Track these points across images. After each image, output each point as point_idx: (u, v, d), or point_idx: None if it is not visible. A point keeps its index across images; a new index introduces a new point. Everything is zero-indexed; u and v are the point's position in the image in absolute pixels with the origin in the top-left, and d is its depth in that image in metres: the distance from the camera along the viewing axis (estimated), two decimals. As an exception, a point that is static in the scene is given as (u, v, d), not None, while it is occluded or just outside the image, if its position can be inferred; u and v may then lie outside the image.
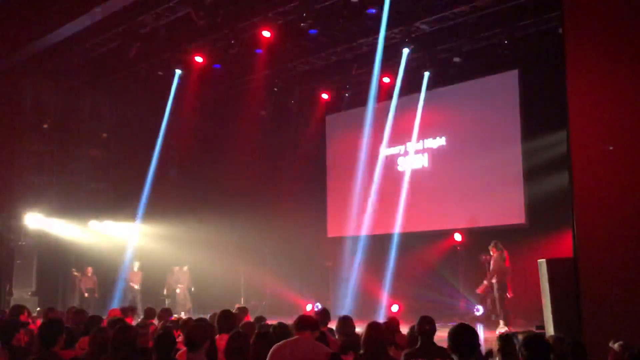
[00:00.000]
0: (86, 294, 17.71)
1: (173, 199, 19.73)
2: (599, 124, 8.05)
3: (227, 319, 6.81)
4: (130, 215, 19.02)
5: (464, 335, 4.30)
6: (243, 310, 9.26)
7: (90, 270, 17.98)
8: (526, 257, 14.10)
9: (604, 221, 7.87)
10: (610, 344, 5.59)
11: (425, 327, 5.81)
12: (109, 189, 19.92)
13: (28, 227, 17.61)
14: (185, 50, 16.42)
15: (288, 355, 4.89)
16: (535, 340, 4.48)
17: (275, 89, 19.07)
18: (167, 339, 5.55)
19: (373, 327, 5.84)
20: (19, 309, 9.27)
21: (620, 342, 5.44)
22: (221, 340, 6.33)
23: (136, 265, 18.36)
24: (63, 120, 18.89)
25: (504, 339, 5.64)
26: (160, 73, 17.71)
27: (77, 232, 18.35)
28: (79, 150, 19.24)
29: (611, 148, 7.69)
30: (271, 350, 4.93)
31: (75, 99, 19.11)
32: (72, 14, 14.37)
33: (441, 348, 5.59)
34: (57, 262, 18.09)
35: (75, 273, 18.01)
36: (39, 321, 9.31)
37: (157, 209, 18.95)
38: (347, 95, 19.20)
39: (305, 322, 5.07)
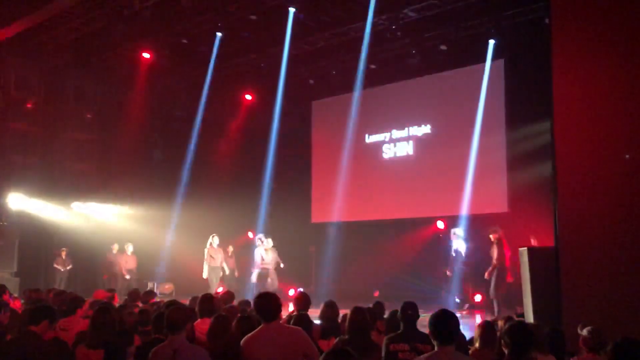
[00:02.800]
0: (127, 276, 17.31)
1: (156, 181, 19.66)
2: (584, 114, 8.10)
3: (208, 302, 6.80)
4: (114, 197, 18.93)
5: (444, 321, 4.33)
6: (229, 295, 9.27)
7: (129, 247, 17.54)
8: (508, 245, 14.18)
9: (585, 210, 7.94)
10: (579, 330, 5.66)
11: (408, 311, 5.84)
12: (92, 171, 19.80)
13: (10, 207, 17.49)
14: (170, 32, 16.30)
15: (263, 346, 4.86)
16: (519, 328, 4.52)
17: (261, 73, 18.96)
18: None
19: (356, 312, 5.87)
20: (1, 288, 9.25)
21: (589, 328, 5.50)
22: (203, 324, 6.33)
23: (215, 242, 16.53)
24: (47, 100, 18.74)
25: (485, 326, 5.70)
26: (145, 54, 17.57)
27: (60, 213, 18.26)
28: (62, 131, 19.11)
29: (627, 157, 7.68)
30: (242, 343, 4.90)
31: (60, 79, 18.94)
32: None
33: (423, 333, 5.62)
34: (39, 243, 18.00)
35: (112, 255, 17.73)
36: (18, 301, 9.29)
37: (140, 192, 18.88)
38: (333, 81, 19.12)
39: (272, 312, 5.00)
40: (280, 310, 5.15)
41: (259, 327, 4.99)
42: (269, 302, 5.02)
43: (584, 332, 5.52)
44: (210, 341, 5.22)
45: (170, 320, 4.89)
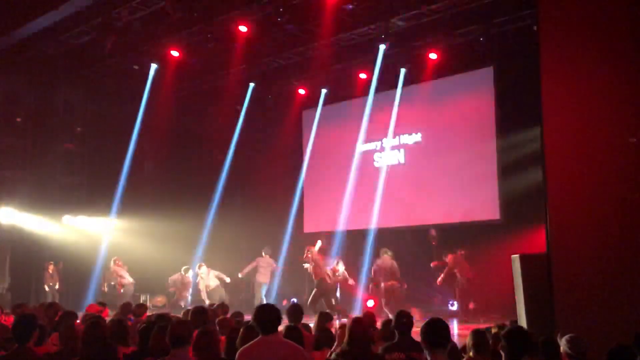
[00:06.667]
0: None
1: (148, 193, 19.59)
2: (573, 121, 8.13)
3: (201, 315, 6.76)
4: (105, 210, 18.85)
5: (434, 328, 4.33)
6: (223, 307, 9.21)
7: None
8: (500, 252, 14.19)
9: (577, 217, 7.95)
10: (558, 339, 5.63)
11: (403, 320, 5.81)
12: (83, 184, 19.70)
13: (1, 222, 17.39)
14: (161, 44, 16.29)
15: (259, 358, 4.83)
16: (516, 332, 4.52)
17: (252, 84, 18.95)
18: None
19: (356, 322, 5.85)
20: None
21: (567, 337, 5.48)
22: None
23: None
24: (37, 114, 18.63)
25: (477, 333, 5.68)
26: (135, 67, 17.56)
27: (51, 227, 18.15)
28: (53, 145, 18.99)
29: (634, 140, 7.65)
30: (238, 353, 4.86)
31: (49, 92, 18.85)
32: (46, 6, 14.22)
33: (418, 342, 5.60)
34: (30, 257, 17.84)
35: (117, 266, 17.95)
36: (11, 317, 9.20)
37: (132, 204, 18.81)
38: (323, 90, 19.13)
39: (273, 323, 4.96)
40: (279, 323, 5.11)
41: (257, 338, 4.95)
42: (267, 314, 4.97)
43: (563, 341, 5.50)
44: (196, 355, 5.14)
45: (174, 334, 4.81)
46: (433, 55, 16.15)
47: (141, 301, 16.61)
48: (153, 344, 5.58)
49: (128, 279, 17.91)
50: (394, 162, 18.15)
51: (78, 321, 7.75)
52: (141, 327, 6.17)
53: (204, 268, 17.73)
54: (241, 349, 4.88)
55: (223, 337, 6.41)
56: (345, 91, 18.69)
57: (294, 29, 15.43)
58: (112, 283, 18.02)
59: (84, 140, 19.78)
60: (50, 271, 17.59)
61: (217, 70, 17.98)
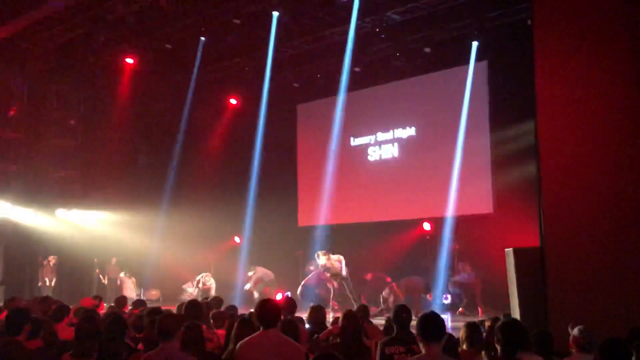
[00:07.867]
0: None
1: (142, 187, 19.56)
2: (567, 115, 8.14)
3: (194, 308, 6.75)
4: (99, 203, 18.82)
5: (429, 322, 4.34)
6: (217, 300, 9.21)
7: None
8: (494, 246, 14.23)
9: (570, 211, 7.97)
10: (569, 329, 5.67)
11: (402, 315, 5.83)
12: (77, 177, 19.65)
13: (-6, 215, 17.36)
14: (154, 37, 16.23)
15: (258, 352, 4.86)
16: (512, 326, 4.53)
17: (246, 77, 18.93)
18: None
19: (348, 315, 5.88)
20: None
21: (580, 327, 5.51)
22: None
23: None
24: (30, 106, 18.56)
25: (471, 326, 5.71)
26: (129, 60, 17.49)
27: (45, 220, 18.10)
28: (46, 137, 18.93)
29: None
30: (238, 346, 4.90)
31: (43, 85, 18.77)
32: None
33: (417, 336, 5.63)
34: (24, 251, 17.81)
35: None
36: (5, 312, 9.18)
37: (126, 198, 18.78)
38: (318, 84, 19.11)
39: (272, 319, 4.99)
40: (280, 319, 5.14)
41: (257, 332, 4.98)
42: (268, 309, 5.01)
43: (575, 331, 5.53)
44: (182, 349, 5.13)
45: (162, 327, 4.83)
46: (426, 49, 16.15)
47: (135, 295, 16.65)
48: (145, 336, 5.59)
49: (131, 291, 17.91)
50: (387, 156, 18.16)
51: (69, 315, 7.76)
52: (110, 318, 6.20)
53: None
54: (242, 341, 4.91)
55: (220, 331, 6.44)
56: (339, 85, 18.65)
57: (288, 23, 15.40)
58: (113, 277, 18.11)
59: (77, 133, 19.70)
60: (52, 264, 17.54)
61: (210, 63, 17.93)
